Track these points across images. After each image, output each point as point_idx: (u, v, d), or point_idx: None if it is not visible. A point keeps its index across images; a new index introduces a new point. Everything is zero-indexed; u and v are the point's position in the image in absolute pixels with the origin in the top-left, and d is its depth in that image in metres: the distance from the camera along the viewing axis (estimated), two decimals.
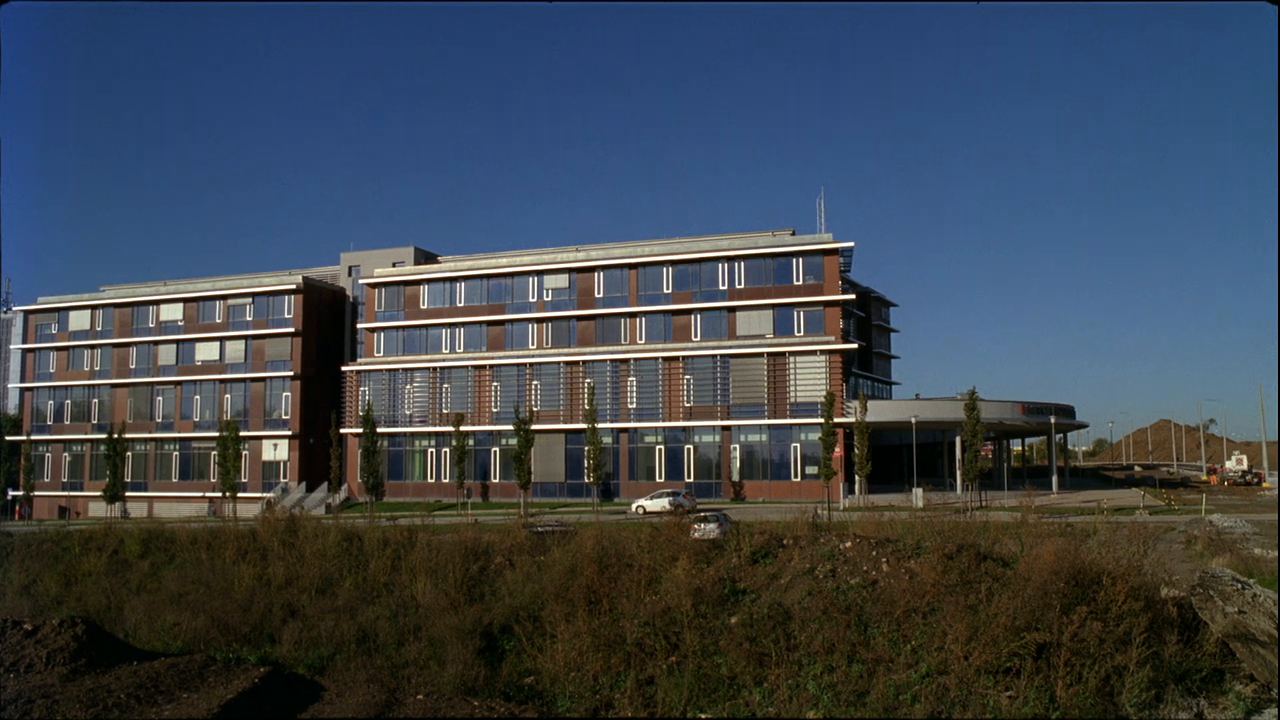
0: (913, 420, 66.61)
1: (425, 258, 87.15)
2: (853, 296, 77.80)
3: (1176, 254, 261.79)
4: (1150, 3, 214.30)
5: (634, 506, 58.26)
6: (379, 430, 72.75)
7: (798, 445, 70.45)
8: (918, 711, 13.64)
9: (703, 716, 15.40)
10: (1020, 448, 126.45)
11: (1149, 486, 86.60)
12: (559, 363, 76.08)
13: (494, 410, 76.39)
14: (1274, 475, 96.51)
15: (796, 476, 70.12)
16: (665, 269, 75.53)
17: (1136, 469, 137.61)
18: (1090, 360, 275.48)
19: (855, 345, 76.65)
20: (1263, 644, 15.87)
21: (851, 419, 64.89)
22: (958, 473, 67.59)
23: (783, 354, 71.58)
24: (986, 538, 20.81)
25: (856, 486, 65.14)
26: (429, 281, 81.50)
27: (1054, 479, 76.56)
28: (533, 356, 77.00)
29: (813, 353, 71.26)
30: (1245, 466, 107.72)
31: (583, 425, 68.77)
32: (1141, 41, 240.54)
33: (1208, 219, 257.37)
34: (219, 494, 72.46)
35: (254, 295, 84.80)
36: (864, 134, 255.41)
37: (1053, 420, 76.86)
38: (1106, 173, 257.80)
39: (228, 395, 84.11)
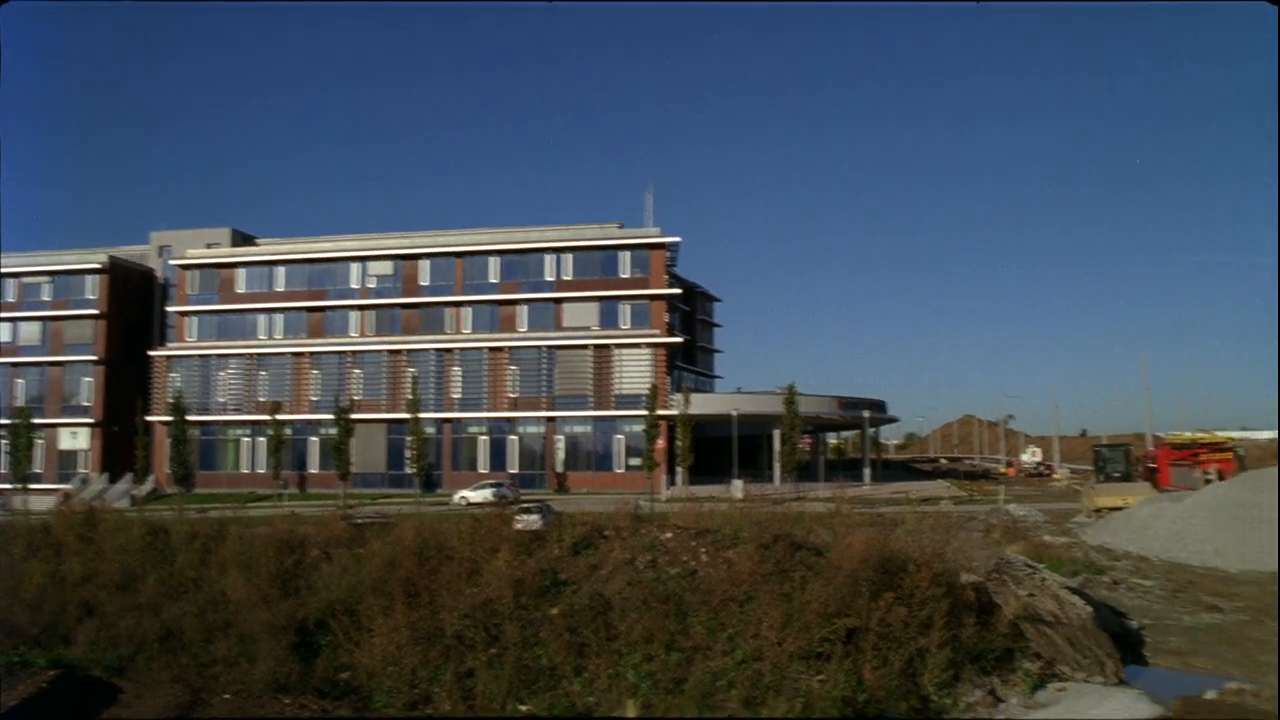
0: (734, 413, 68.05)
1: (242, 239, 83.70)
2: (678, 291, 78.94)
3: (981, 263, 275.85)
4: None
5: (457, 497, 57.64)
6: (190, 418, 69.63)
7: (622, 437, 71.08)
8: (733, 697, 13.94)
9: (522, 708, 15.34)
10: (836, 441, 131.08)
11: (954, 478, 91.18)
12: (382, 351, 74.55)
13: (313, 399, 74.22)
14: (1064, 468, 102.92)
15: (620, 468, 70.72)
16: (492, 258, 74.93)
17: (943, 461, 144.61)
18: (902, 358, 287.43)
19: (680, 339, 77.81)
20: (1049, 624, 16.96)
21: (675, 411, 65.91)
22: (776, 465, 69.49)
23: (608, 346, 72.06)
24: (802, 528, 21.46)
25: (679, 478, 66.18)
26: (246, 264, 78.46)
27: (867, 471, 79.48)
28: (355, 344, 75.20)
29: (638, 346, 72.04)
30: (1039, 459, 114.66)
31: (405, 415, 67.65)
32: (968, 41, 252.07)
33: (1009, 230, 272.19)
34: (9, 486, 67.99)
35: (53, 274, 79.53)
36: (693, 130, 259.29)
37: (866, 415, 79.83)
38: (919, 176, 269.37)
39: (20, 380, 78.82)
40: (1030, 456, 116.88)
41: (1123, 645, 18.58)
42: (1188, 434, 66.39)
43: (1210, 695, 14.87)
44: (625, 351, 72.26)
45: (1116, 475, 59.16)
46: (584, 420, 72.18)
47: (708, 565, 18.01)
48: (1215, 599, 24.70)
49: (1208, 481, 49.61)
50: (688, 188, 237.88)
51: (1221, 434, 70.27)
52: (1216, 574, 29.48)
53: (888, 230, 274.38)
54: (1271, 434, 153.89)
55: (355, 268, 76.72)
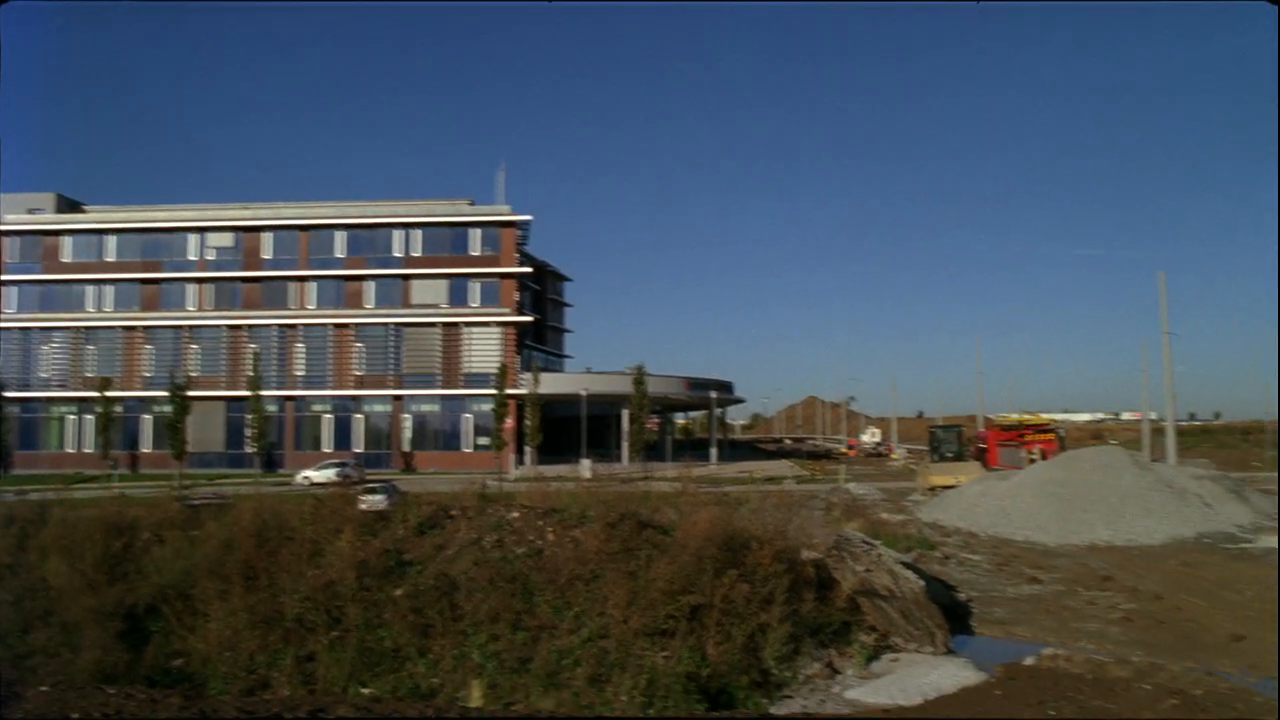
0: (583, 393, 68.23)
1: (69, 206, 79.02)
2: (529, 269, 78.54)
3: (826, 250, 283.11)
4: None
5: (299, 477, 56.08)
6: (7, 395, 65.72)
7: (470, 416, 70.46)
8: (579, 675, 14.00)
9: (365, 691, 15.07)
10: (684, 421, 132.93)
11: (797, 458, 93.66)
12: (221, 326, 71.83)
13: (146, 375, 70.98)
14: (901, 448, 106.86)
15: (468, 447, 70.11)
16: (339, 233, 72.98)
17: (787, 441, 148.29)
18: (749, 341, 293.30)
19: (530, 318, 77.50)
20: (884, 598, 17.62)
21: (524, 391, 65.60)
22: (624, 444, 70.01)
23: (457, 324, 71.26)
24: (648, 507, 21.70)
25: (527, 457, 65.96)
26: (73, 232, 74.20)
27: (713, 451, 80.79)
28: (192, 318, 72.23)
29: (487, 324, 71.43)
30: (878, 439, 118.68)
31: (245, 392, 65.33)
32: (816, 28, 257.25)
33: (852, 219, 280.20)
34: None
35: None
36: (545, 109, 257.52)
37: (713, 395, 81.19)
38: (766, 160, 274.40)
39: None
40: (870, 437, 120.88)
41: (952, 616, 19.44)
42: (1015, 416, 69.83)
43: (1029, 661, 15.70)
44: (474, 330, 71.58)
45: (950, 455, 61.75)
46: (432, 399, 71.24)
47: (555, 544, 18.03)
48: (1036, 571, 26.07)
49: (1032, 461, 52.36)
50: (539, 167, 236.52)
51: (1045, 416, 74.17)
52: (1038, 548, 31.12)
53: (736, 214, 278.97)
54: (1089, 416, 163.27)
55: (193, 239, 73.47)
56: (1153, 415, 72.71)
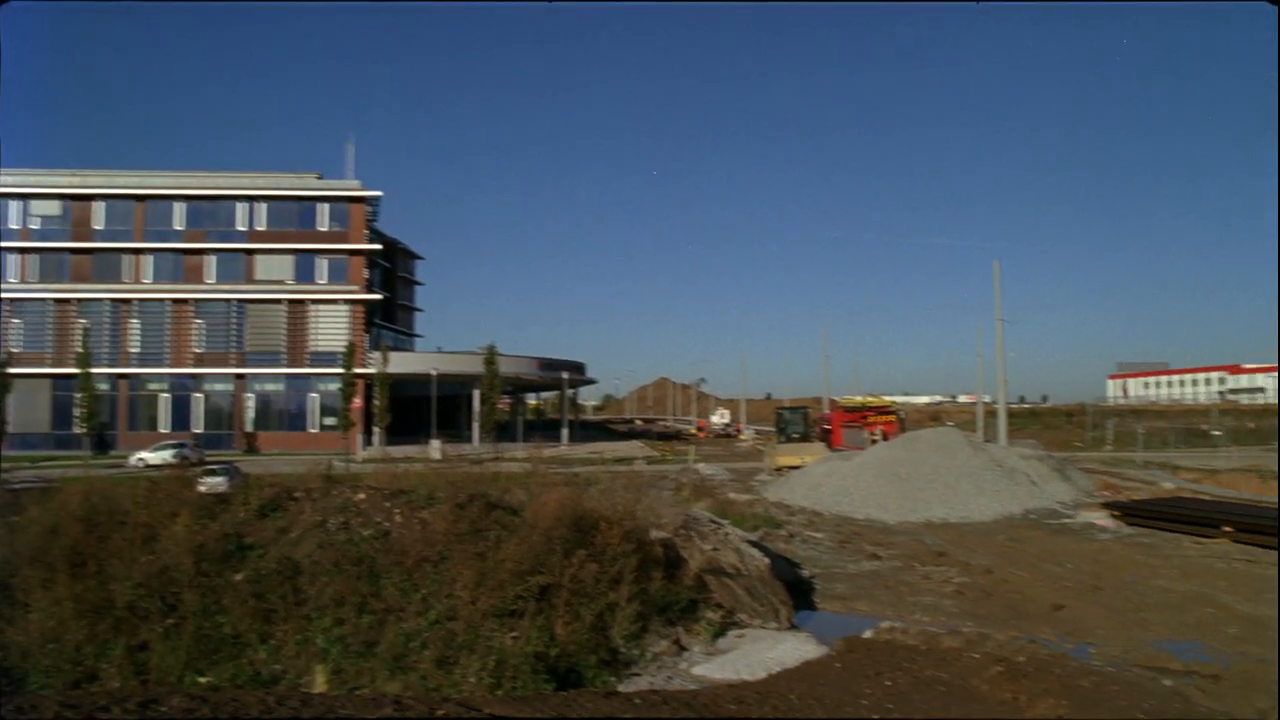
0: (433, 373, 67.32)
1: None
2: (379, 246, 76.87)
3: (679, 233, 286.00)
4: None
5: (134, 459, 53.61)
6: None
7: (317, 396, 68.77)
8: (426, 658, 13.84)
9: (202, 680, 14.55)
10: (536, 401, 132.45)
11: (648, 439, 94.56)
12: (47, 299, 68.04)
13: None
14: (750, 429, 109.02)
15: (314, 428, 68.46)
16: (178, 204, 69.96)
17: (638, 422, 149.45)
18: (602, 322, 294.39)
19: (379, 296, 76.02)
20: (730, 576, 17.96)
21: (373, 370, 64.38)
22: (475, 425, 69.46)
23: (303, 301, 69.34)
24: (498, 487, 21.56)
25: (376, 438, 64.79)
26: None
27: (564, 431, 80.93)
28: (14, 290, 68.11)
29: (335, 301, 69.74)
30: (727, 420, 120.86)
31: (74, 370, 62.18)
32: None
33: (702, 204, 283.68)
34: None
35: None
36: (398, 83, 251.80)
37: (565, 376, 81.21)
38: (618, 139, 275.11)
39: None
40: (719, 418, 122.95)
41: (796, 592, 19.98)
42: (859, 398, 72.02)
43: (868, 634, 16.26)
44: (321, 307, 69.81)
45: (796, 436, 63.27)
46: (276, 378, 69.23)
47: (402, 526, 17.74)
48: (876, 548, 27.00)
49: (874, 441, 54.08)
50: (391, 142, 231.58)
51: (887, 399, 76.73)
52: (878, 525, 32.22)
53: (588, 195, 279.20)
54: (928, 399, 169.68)
55: (15, 206, 69.23)
56: (987, 398, 76.08)
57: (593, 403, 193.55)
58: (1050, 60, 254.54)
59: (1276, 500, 36.73)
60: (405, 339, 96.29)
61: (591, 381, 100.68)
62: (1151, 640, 16.18)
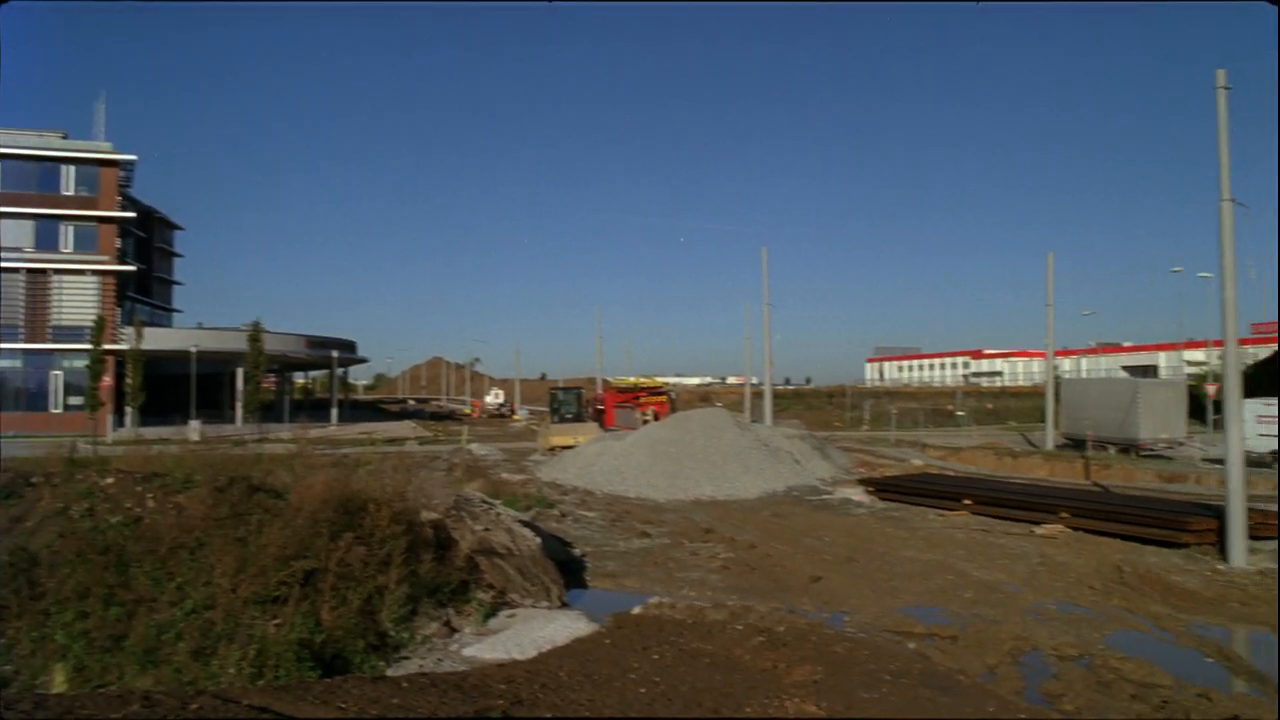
0: (193, 350, 63.89)
1: None
2: (133, 215, 72.13)
3: (451, 209, 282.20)
4: None
5: None
6: None
7: (60, 373, 63.96)
8: (181, 649, 13.14)
9: None
10: (304, 381, 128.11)
11: (421, 419, 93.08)
12: None
13: None
14: (524, 409, 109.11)
15: (58, 408, 63.69)
16: None
17: (411, 402, 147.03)
18: (373, 299, 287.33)
19: (133, 267, 71.48)
20: (502, 556, 17.92)
21: (125, 346, 60.56)
22: (238, 405, 66.57)
23: (45, 271, 64.27)
24: (261, 470, 20.69)
25: (128, 419, 61.00)
26: None
27: (334, 411, 78.64)
28: None
29: (82, 272, 65.01)
30: (501, 400, 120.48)
31: None
32: None
33: (478, 180, 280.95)
34: None
35: None
36: (152, 40, 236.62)
37: (335, 354, 78.92)
38: (388, 113, 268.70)
39: None
40: (493, 398, 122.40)
41: (568, 571, 20.13)
42: (632, 379, 73.29)
43: (637, 610, 16.57)
44: (66, 278, 64.91)
45: (569, 416, 63.71)
46: (13, 354, 63.90)
47: (155, 512, 16.76)
48: (646, 526, 27.56)
49: (645, 422, 55.18)
50: (147, 104, 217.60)
51: (660, 379, 78.43)
52: (648, 503, 32.90)
53: (360, 169, 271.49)
54: (699, 380, 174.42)
55: None
56: (754, 380, 78.87)
57: (364, 382, 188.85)
58: (816, 56, 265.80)
59: (1008, 476, 39.84)
60: (162, 314, 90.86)
61: (363, 360, 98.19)
62: (899, 606, 17.24)
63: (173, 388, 68.10)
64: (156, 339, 65.08)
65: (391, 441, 54.18)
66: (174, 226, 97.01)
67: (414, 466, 21.78)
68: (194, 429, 55.13)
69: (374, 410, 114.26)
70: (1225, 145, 22.53)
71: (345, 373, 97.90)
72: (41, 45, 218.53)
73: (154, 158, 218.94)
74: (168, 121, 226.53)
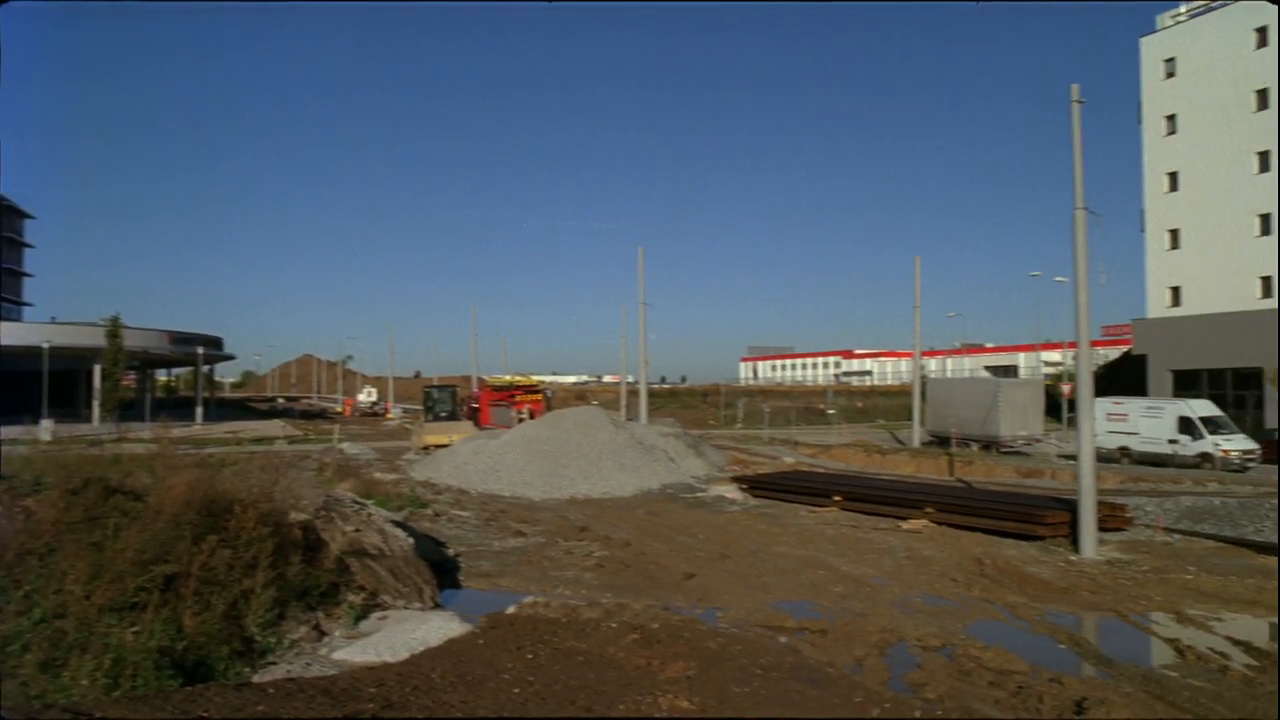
0: (45, 345, 61.02)
1: None
2: None
3: (320, 205, 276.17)
4: None
5: None
6: None
7: None
8: (28, 661, 12.53)
9: None
10: (167, 378, 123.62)
11: (290, 417, 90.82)
12: None
13: None
14: (398, 407, 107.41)
15: None
16: None
17: (280, 400, 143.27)
18: (241, 295, 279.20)
19: None
20: (373, 557, 17.60)
21: None
22: (96, 403, 63.90)
23: None
24: (119, 471, 19.87)
25: None
26: None
27: (199, 410, 76.23)
28: None
29: None
30: (374, 398, 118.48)
31: None
32: None
33: (347, 174, 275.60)
34: None
35: None
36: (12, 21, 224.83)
37: (200, 351, 76.52)
38: (255, 103, 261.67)
39: None
40: (366, 396, 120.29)
41: (441, 572, 19.88)
42: (507, 377, 72.89)
43: (511, 610, 16.47)
44: None
45: (444, 414, 63.12)
46: None
47: (2, 517, 15.96)
48: (521, 525, 27.43)
49: (521, 420, 54.97)
50: None
51: (536, 378, 78.20)
52: (524, 502, 32.77)
53: (225, 159, 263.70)
54: (575, 378, 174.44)
55: None
56: (630, 378, 79.25)
57: (231, 380, 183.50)
58: (684, 50, 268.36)
59: (876, 472, 40.94)
60: (12, 308, 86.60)
61: (230, 357, 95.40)
62: (771, 602, 17.52)
63: (23, 386, 64.84)
64: (6, 333, 61.82)
65: (260, 441, 52.75)
66: (24, 215, 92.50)
67: (283, 466, 21.24)
68: (46, 429, 52.62)
69: (241, 409, 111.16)
70: (1079, 157, 23.56)
71: (211, 370, 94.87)
72: None
73: (4, 142, 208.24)
74: (17, 105, 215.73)
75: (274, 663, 14.07)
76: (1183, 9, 68.26)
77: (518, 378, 71.64)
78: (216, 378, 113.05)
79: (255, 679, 13.09)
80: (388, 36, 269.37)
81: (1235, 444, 44.13)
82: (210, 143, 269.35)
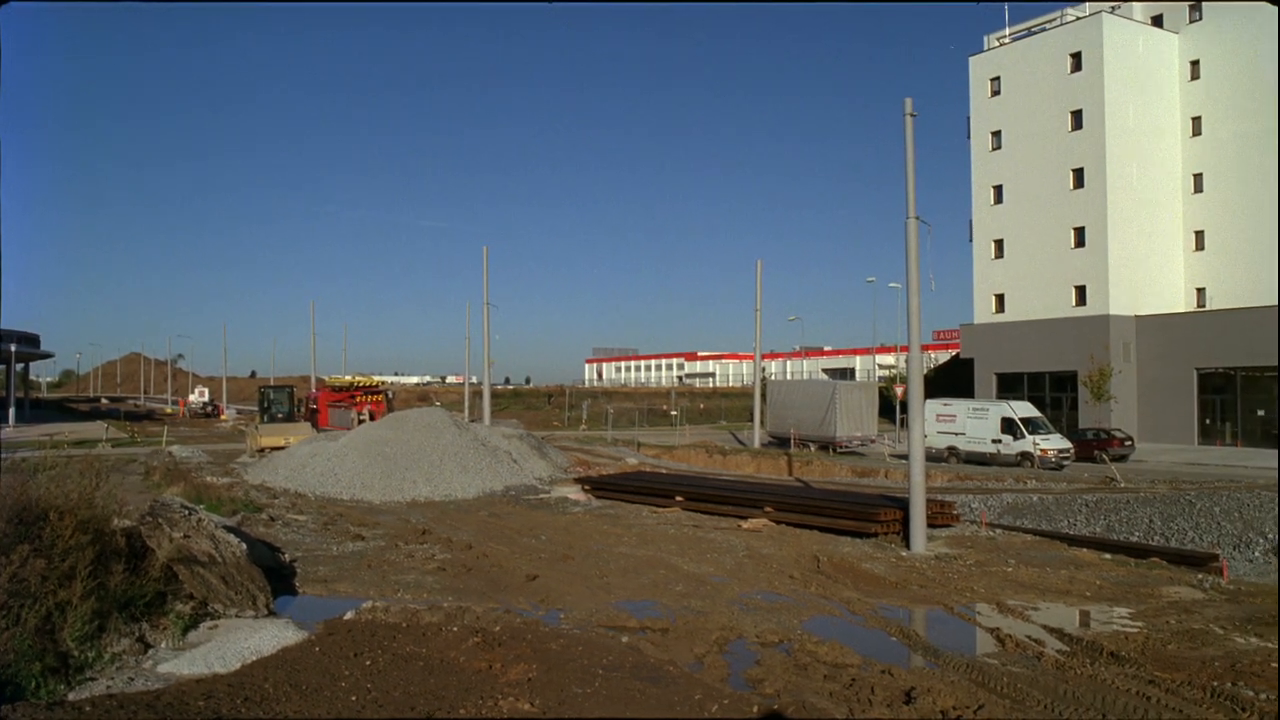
0: None
1: None
2: None
3: (144, 192, 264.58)
4: None
5: None
6: None
7: None
8: None
9: None
10: None
11: (115, 419, 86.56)
12: None
13: None
14: (232, 408, 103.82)
15: None
16: None
17: (104, 401, 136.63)
18: (62, 290, 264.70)
19: None
20: (203, 564, 16.91)
21: None
22: None
23: None
24: None
25: None
26: None
27: (12, 411, 72.06)
28: None
29: None
30: (207, 399, 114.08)
31: None
32: None
33: (166, 171, 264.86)
34: None
35: None
36: None
37: (13, 349, 72.47)
38: (85, 84, 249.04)
39: None
40: (198, 397, 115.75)
41: (276, 578, 19.26)
42: (347, 378, 71.26)
43: (349, 615, 16.09)
44: None
45: (281, 416, 61.17)
46: None
47: None
48: (360, 529, 26.83)
49: (361, 421, 53.82)
50: None
51: (377, 378, 76.68)
52: (363, 505, 32.09)
53: (35, 146, 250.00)
54: (418, 379, 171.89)
55: None
56: (474, 379, 78.52)
57: (49, 379, 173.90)
58: (534, 62, 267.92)
59: (718, 473, 41.66)
60: None
61: (47, 355, 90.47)
62: (614, 602, 17.60)
63: None
64: None
65: (81, 443, 50.08)
66: None
67: (105, 471, 20.19)
68: None
69: (60, 410, 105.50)
70: (912, 168, 24.46)
71: (25, 368, 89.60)
72: None
73: None
74: None
75: (93, 679, 13.35)
76: (1007, 32, 71.93)
77: (358, 378, 70.05)
78: (32, 376, 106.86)
79: (71, 696, 12.40)
80: (155, 30, 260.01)
81: (1052, 443, 46.60)
82: (24, 116, 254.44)
